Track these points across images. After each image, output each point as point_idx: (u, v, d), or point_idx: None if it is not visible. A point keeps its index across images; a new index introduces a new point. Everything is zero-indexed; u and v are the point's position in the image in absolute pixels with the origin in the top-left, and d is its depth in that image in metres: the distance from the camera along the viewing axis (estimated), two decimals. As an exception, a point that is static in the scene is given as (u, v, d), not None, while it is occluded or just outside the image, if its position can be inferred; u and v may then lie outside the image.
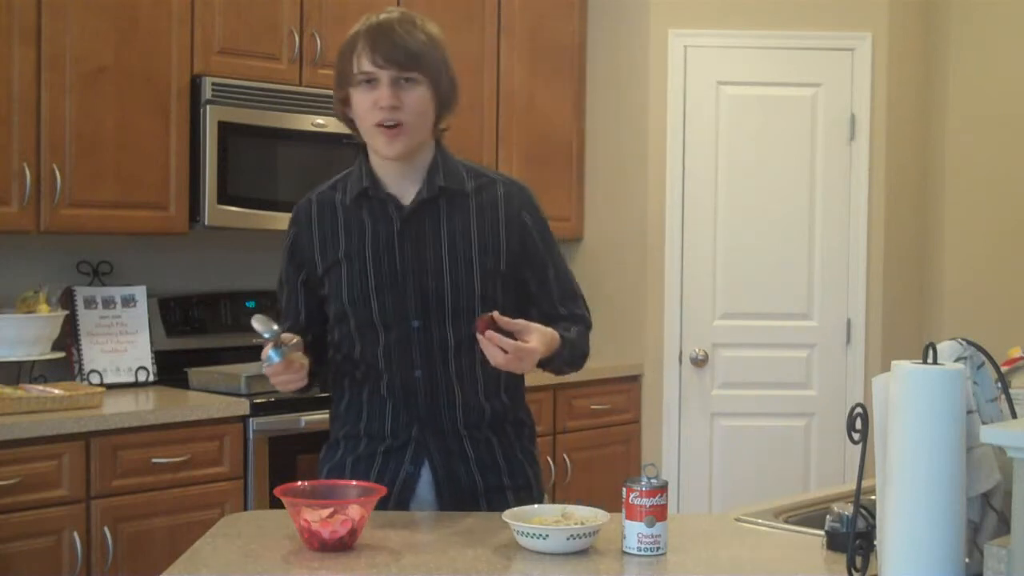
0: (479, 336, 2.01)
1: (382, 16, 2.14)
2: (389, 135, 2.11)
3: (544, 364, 2.17)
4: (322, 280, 2.23)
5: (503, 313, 2.08)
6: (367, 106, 2.11)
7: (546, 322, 2.20)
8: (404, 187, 2.19)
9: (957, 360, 1.70)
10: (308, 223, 2.25)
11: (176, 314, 3.97)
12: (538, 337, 2.06)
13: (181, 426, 3.36)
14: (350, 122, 2.19)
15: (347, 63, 2.12)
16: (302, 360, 2.13)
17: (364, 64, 2.09)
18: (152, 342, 3.85)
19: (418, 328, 2.17)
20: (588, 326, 2.31)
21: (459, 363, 2.19)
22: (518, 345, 2.01)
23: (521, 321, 2.06)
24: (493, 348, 2.00)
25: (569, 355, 2.22)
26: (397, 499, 2.20)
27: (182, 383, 3.77)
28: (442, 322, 2.17)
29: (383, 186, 2.19)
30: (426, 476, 2.21)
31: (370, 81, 2.10)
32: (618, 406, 4.63)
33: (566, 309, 2.27)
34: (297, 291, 2.28)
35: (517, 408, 2.29)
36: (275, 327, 2.04)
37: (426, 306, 2.17)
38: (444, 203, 2.19)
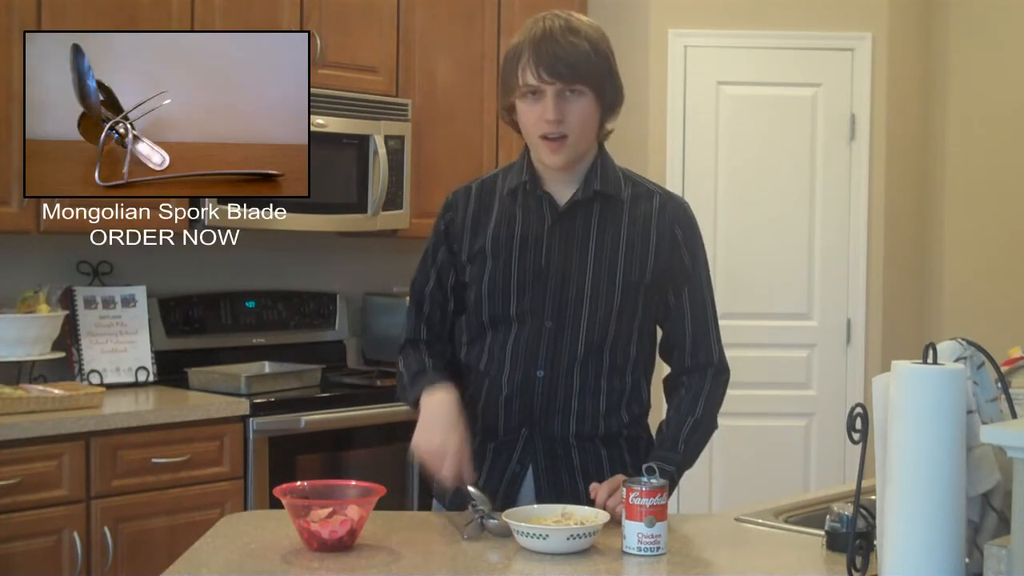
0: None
1: (546, 24, 2.11)
2: (553, 147, 2.12)
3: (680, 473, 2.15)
4: (465, 266, 2.23)
5: (642, 328, 2.18)
6: (532, 119, 2.12)
7: (678, 370, 2.23)
8: (561, 187, 2.19)
9: (957, 360, 1.70)
10: (465, 208, 2.25)
11: (176, 314, 3.96)
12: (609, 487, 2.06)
13: (181, 426, 3.36)
14: (516, 126, 2.20)
15: (512, 74, 2.12)
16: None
17: (528, 78, 2.09)
18: (152, 342, 3.85)
19: (550, 329, 2.16)
20: (718, 373, 2.24)
21: (584, 372, 2.17)
22: (611, 510, 1.99)
23: (603, 486, 2.06)
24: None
25: (697, 449, 2.19)
26: (505, 494, 2.18)
27: (182, 383, 3.77)
28: (575, 327, 2.16)
29: (541, 183, 2.19)
30: (531, 477, 2.19)
31: (535, 93, 2.10)
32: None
33: (693, 346, 2.22)
34: (443, 278, 2.26)
35: (635, 426, 2.24)
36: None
37: (562, 308, 2.16)
38: (598, 207, 2.18)
